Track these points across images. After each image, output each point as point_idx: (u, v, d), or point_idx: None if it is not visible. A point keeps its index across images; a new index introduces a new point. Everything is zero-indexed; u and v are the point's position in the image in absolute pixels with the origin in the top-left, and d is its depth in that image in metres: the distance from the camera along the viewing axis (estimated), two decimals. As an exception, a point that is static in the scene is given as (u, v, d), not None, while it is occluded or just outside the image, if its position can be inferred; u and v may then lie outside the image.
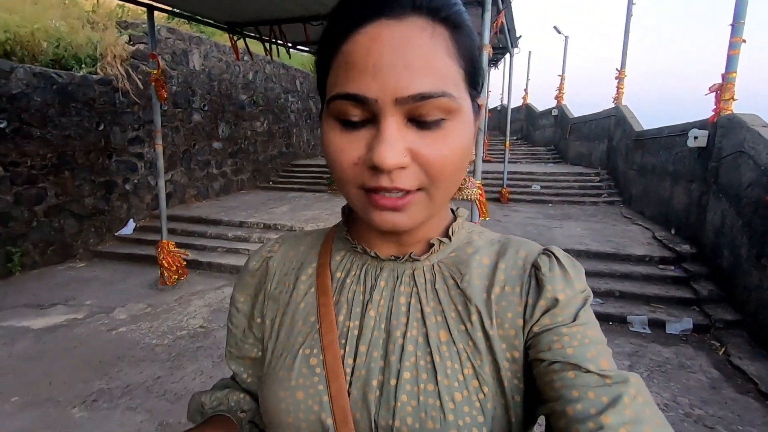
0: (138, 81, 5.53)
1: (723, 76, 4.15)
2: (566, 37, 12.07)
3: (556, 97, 12.09)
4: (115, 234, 5.51)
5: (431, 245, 0.48)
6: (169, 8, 4.05)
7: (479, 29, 3.20)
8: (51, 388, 2.57)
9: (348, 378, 0.45)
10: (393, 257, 0.48)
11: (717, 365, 3.00)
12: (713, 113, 4.23)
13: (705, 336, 3.41)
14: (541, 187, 8.06)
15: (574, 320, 0.41)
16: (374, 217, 0.41)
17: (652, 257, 4.40)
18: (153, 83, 3.97)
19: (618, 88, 8.38)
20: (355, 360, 0.45)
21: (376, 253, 0.48)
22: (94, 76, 5.15)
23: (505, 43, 6.14)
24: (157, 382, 2.65)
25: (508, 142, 7.82)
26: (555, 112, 12.01)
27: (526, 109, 15.01)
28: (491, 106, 16.69)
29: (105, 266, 4.87)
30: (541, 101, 16.70)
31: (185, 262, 4.36)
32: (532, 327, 0.43)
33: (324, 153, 0.42)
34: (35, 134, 4.53)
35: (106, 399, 2.48)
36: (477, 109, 0.44)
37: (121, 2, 4.46)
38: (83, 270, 4.74)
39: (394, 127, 0.37)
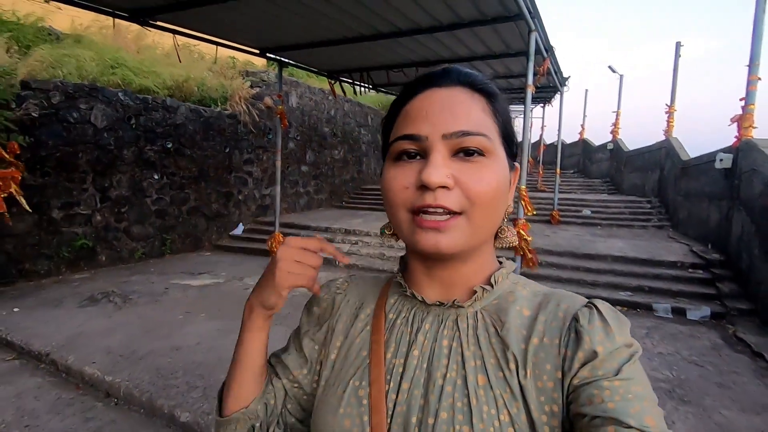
0: (255, 115, 7.22)
1: (743, 108, 4.94)
2: (621, 76, 12.84)
3: (612, 132, 12.73)
4: (229, 233, 7.06)
5: (474, 292, 0.51)
6: (294, 62, 5.62)
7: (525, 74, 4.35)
8: (221, 312, 3.87)
9: (390, 412, 0.48)
10: (438, 302, 0.52)
11: (723, 337, 3.70)
12: (736, 139, 4.99)
13: (721, 321, 4.08)
14: (592, 212, 8.75)
15: (617, 374, 0.41)
16: (419, 238, 0.47)
17: (684, 263, 5.08)
18: (278, 115, 5.49)
19: (668, 121, 9.03)
20: (397, 396, 0.49)
21: (423, 298, 0.53)
22: (225, 112, 6.89)
23: (554, 83, 7.19)
24: (288, 316, 3.87)
25: (558, 170, 8.69)
26: (610, 146, 12.63)
27: (583, 144, 15.63)
28: (548, 141, 17.43)
29: (225, 255, 6.36)
30: (598, 136, 17.19)
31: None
32: (572, 380, 0.43)
33: (381, 190, 0.51)
34: (186, 153, 6.23)
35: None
36: (513, 167, 0.53)
37: (241, 52, 6.15)
38: (210, 257, 6.24)
39: (440, 156, 0.46)
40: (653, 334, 3.75)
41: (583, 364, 0.42)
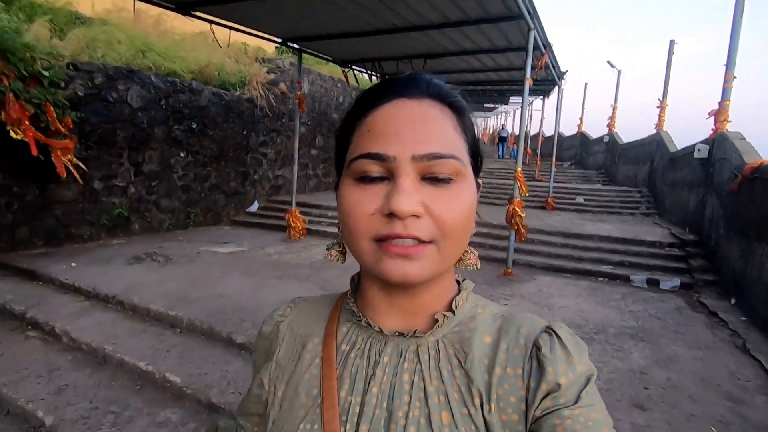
0: (271, 100, 7.73)
1: (719, 104, 5.49)
2: (619, 71, 13.34)
3: (608, 125, 13.28)
4: (246, 210, 7.61)
5: (436, 320, 0.48)
6: (311, 51, 6.13)
7: (524, 69, 4.88)
8: (252, 271, 4.43)
9: None
10: (398, 333, 0.48)
11: (688, 302, 4.31)
12: (712, 131, 5.55)
13: (689, 291, 4.68)
14: (585, 200, 9.34)
15: (577, 402, 0.41)
16: (385, 267, 0.42)
17: (662, 243, 5.68)
18: (297, 100, 6.01)
19: (660, 116, 9.58)
20: None
21: (380, 328, 0.49)
22: (244, 96, 7.39)
23: (552, 77, 7.70)
24: (311, 276, 4.45)
25: (554, 160, 9.25)
26: (606, 139, 13.20)
27: (581, 137, 16.18)
28: (547, 134, 17.96)
29: (243, 229, 6.91)
30: (598, 129, 17.71)
31: (306, 226, 6.27)
32: (534, 411, 0.42)
33: (338, 210, 0.47)
34: (209, 133, 6.75)
35: (285, 278, 4.30)
36: (477, 183, 0.49)
37: (264, 40, 6.63)
38: (229, 230, 6.80)
39: (409, 180, 0.42)
40: (627, 298, 4.35)
41: (545, 396, 0.42)
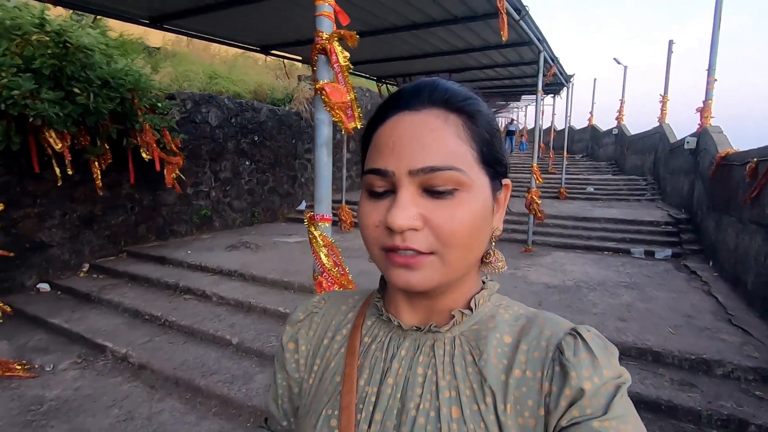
0: (314, 112, 9.00)
1: (704, 102, 6.58)
2: (625, 67, 14.33)
3: (617, 119, 14.28)
4: (296, 209, 8.90)
5: (453, 316, 0.50)
6: (358, 74, 7.38)
7: (535, 79, 6.05)
8: (324, 254, 5.68)
9: None
10: (415, 327, 0.51)
11: (675, 266, 5.43)
12: (699, 126, 6.64)
13: (679, 258, 5.79)
14: (594, 189, 10.42)
15: (606, 412, 0.40)
16: (391, 275, 0.46)
17: (659, 222, 6.78)
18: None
19: (662, 110, 10.61)
20: (369, 427, 0.48)
21: (399, 323, 0.52)
22: (292, 110, 8.68)
23: (560, 80, 8.82)
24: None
25: (566, 153, 10.36)
26: (615, 131, 14.20)
27: (591, 130, 17.17)
28: (558, 128, 18.96)
29: (297, 225, 8.18)
30: (608, 122, 18.62)
31: (354, 220, 7.52)
32: (559, 420, 0.42)
33: (359, 223, 0.50)
34: (267, 144, 8.04)
35: (353, 258, 5.52)
36: (500, 187, 0.50)
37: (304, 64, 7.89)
38: (286, 226, 8.08)
39: (407, 194, 0.44)
40: (626, 265, 5.49)
41: (571, 404, 0.41)
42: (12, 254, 3.55)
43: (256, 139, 7.76)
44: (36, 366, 3.34)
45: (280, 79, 9.45)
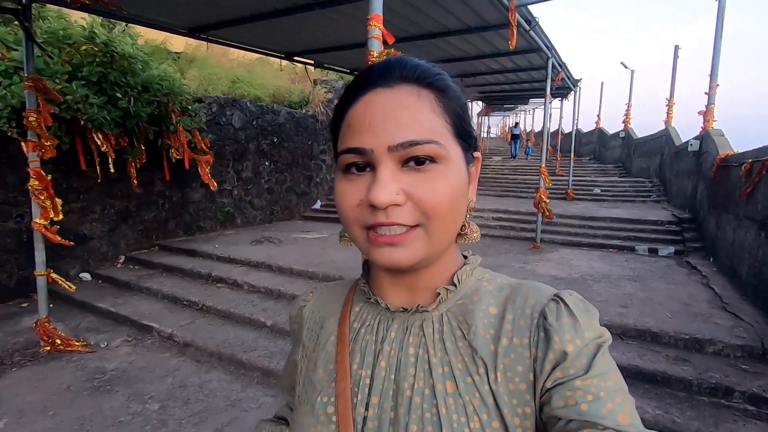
0: (329, 114, 9.38)
1: (706, 106, 6.87)
2: (632, 71, 14.60)
3: (623, 122, 14.54)
4: (311, 207, 9.28)
5: (438, 294, 0.51)
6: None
7: (544, 85, 6.38)
8: (342, 249, 6.04)
9: (360, 428, 0.49)
10: (402, 309, 0.52)
11: (677, 263, 5.72)
12: (701, 129, 6.93)
13: (681, 255, 6.08)
14: (601, 190, 10.70)
15: (588, 371, 0.42)
16: (375, 254, 0.46)
17: (663, 221, 7.07)
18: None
19: (668, 113, 10.88)
20: (367, 410, 0.49)
21: (386, 305, 0.53)
22: (308, 112, 9.07)
23: (568, 84, 9.14)
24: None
25: (573, 155, 10.66)
26: (622, 134, 14.46)
27: (599, 133, 17.42)
28: (566, 131, 19.24)
29: (313, 222, 8.56)
30: (614, 124, 18.90)
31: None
32: (544, 383, 0.44)
33: (335, 203, 0.50)
34: (285, 146, 8.43)
35: (369, 252, 5.89)
36: (471, 158, 0.52)
37: (326, 69, 8.25)
38: (303, 223, 8.46)
39: (387, 171, 0.44)
40: (630, 261, 5.79)
41: (555, 366, 0.43)
42: (72, 243, 3.92)
43: (275, 140, 8.16)
44: (91, 343, 3.72)
45: (296, 83, 9.86)
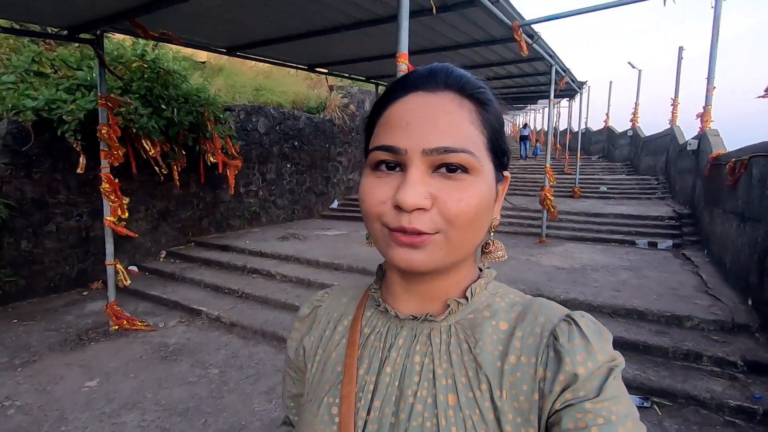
0: (345, 118, 9.97)
1: (704, 108, 7.30)
2: (639, 71, 14.95)
3: (631, 121, 14.90)
4: (329, 207, 9.87)
5: (449, 305, 0.52)
6: (380, 82, 8.31)
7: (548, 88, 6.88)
8: (363, 245, 6.60)
9: (360, 431, 0.50)
10: (412, 317, 0.53)
11: (674, 255, 6.18)
12: (699, 129, 7.36)
13: (678, 248, 6.53)
14: (608, 188, 11.12)
15: (599, 394, 0.42)
16: (393, 254, 0.46)
17: (663, 216, 7.51)
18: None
19: (672, 112, 11.25)
20: (368, 414, 0.50)
21: (396, 313, 0.54)
22: (326, 117, 9.66)
23: (573, 87, 9.60)
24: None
25: (579, 154, 11.09)
26: (630, 133, 14.82)
27: (608, 131, 17.76)
28: (574, 130, 19.58)
29: (331, 221, 9.15)
30: (623, 122, 19.18)
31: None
32: (553, 403, 0.43)
33: (359, 198, 0.50)
34: (305, 149, 9.03)
35: (387, 247, 6.44)
36: (501, 177, 0.52)
37: (339, 77, 8.82)
38: (322, 222, 9.04)
39: (418, 173, 0.44)
40: (630, 253, 6.26)
41: (565, 388, 0.43)
42: (136, 235, 4.55)
43: (296, 144, 8.76)
44: (151, 324, 4.34)
45: (314, 89, 10.46)
